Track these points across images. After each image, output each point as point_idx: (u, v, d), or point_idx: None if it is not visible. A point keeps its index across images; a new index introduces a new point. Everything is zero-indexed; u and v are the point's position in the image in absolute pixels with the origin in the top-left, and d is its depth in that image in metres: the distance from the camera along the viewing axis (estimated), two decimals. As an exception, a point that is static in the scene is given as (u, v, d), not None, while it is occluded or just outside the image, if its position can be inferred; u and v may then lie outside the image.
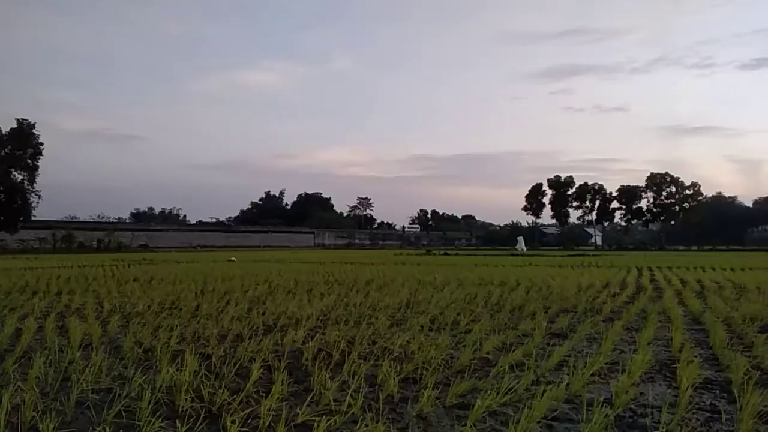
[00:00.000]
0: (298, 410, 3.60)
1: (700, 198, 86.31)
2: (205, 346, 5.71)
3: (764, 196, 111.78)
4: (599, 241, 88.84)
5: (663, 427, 3.34)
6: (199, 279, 13.87)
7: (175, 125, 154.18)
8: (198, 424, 3.39)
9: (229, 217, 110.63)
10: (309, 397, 3.87)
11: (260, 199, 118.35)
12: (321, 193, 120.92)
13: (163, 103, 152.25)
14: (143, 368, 4.76)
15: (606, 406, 3.75)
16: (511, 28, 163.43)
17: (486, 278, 14.85)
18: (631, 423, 3.58)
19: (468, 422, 3.36)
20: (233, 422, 3.19)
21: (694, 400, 4.06)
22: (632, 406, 3.90)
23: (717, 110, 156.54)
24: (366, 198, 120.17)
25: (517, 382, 4.27)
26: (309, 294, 10.75)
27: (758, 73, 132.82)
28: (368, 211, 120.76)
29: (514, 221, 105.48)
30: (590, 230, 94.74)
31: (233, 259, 28.59)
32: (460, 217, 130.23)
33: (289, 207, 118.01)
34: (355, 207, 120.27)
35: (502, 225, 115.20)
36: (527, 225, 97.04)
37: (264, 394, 3.91)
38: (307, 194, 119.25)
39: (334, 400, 3.80)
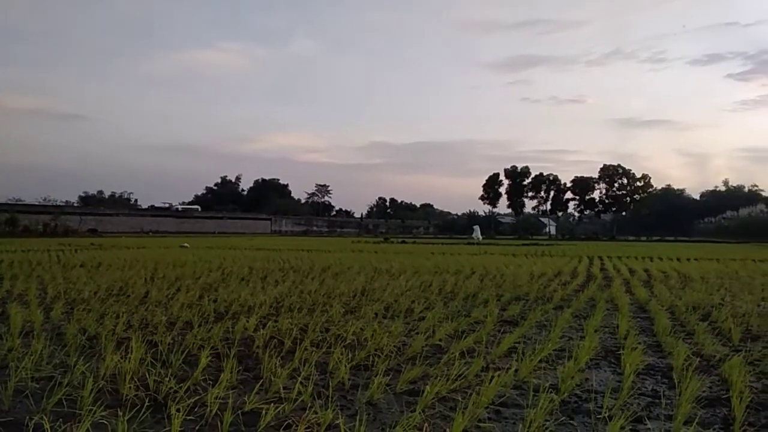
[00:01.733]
0: (246, 398, 3.55)
1: (650, 190, 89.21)
2: (152, 334, 5.57)
3: (711, 189, 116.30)
4: (553, 231, 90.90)
5: (605, 412, 3.43)
6: (150, 265, 13.54)
7: (127, 106, 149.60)
8: (142, 412, 3.30)
9: (183, 203, 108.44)
10: (258, 385, 3.82)
11: (216, 184, 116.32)
12: (278, 179, 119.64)
13: (115, 83, 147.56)
14: (86, 356, 4.61)
15: (552, 392, 3.84)
16: (470, 17, 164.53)
17: (442, 266, 14.99)
18: (576, 408, 3.67)
19: (417, 408, 3.38)
20: (178, 410, 3.12)
21: (637, 385, 4.19)
22: (577, 392, 4.00)
23: (668, 104, 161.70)
24: (324, 185, 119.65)
25: (468, 369, 4.32)
26: (263, 281, 10.63)
27: (708, 68, 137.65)
28: (326, 198, 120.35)
29: (472, 210, 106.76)
30: (545, 220, 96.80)
31: (186, 245, 28.04)
32: (418, 206, 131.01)
33: (245, 193, 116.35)
34: (313, 194, 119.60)
35: (459, 214, 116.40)
36: (484, 214, 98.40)
37: (212, 382, 3.85)
38: (264, 180, 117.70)
39: (284, 388, 3.76)
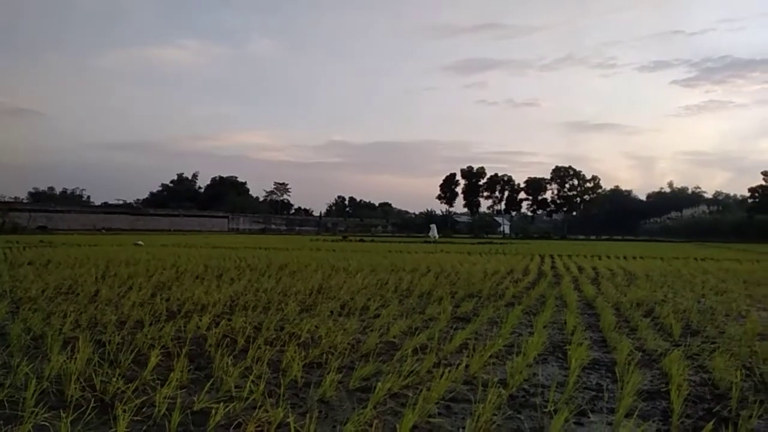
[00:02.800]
0: (196, 397, 3.52)
1: (600, 191, 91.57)
2: (101, 333, 5.45)
3: (656, 190, 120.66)
4: (507, 230, 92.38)
5: (551, 406, 3.55)
6: (101, 263, 13.17)
7: (81, 101, 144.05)
8: (87, 413, 3.24)
9: (137, 200, 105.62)
10: (209, 384, 3.79)
11: (171, 182, 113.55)
12: (236, 177, 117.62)
13: (68, 77, 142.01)
14: (31, 356, 4.48)
15: (501, 387, 3.94)
16: (428, 20, 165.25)
17: (399, 264, 15.08)
18: (523, 402, 3.77)
19: (369, 405, 3.42)
20: (125, 411, 3.08)
21: (582, 379, 4.34)
22: (525, 386, 4.11)
23: (617, 109, 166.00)
24: (283, 183, 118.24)
25: (420, 365, 4.39)
26: (218, 279, 10.49)
27: (655, 75, 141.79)
28: (285, 196, 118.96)
29: (429, 209, 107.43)
30: (499, 219, 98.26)
31: (140, 243, 27.36)
32: (377, 205, 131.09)
33: (202, 190, 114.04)
34: (271, 192, 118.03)
35: (417, 213, 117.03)
36: (441, 213, 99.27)
37: (162, 382, 3.79)
38: (221, 177, 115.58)
39: (236, 387, 3.74)
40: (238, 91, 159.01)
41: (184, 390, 3.74)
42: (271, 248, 23.66)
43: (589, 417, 3.47)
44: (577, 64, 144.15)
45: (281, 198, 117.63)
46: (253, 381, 3.77)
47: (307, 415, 3.29)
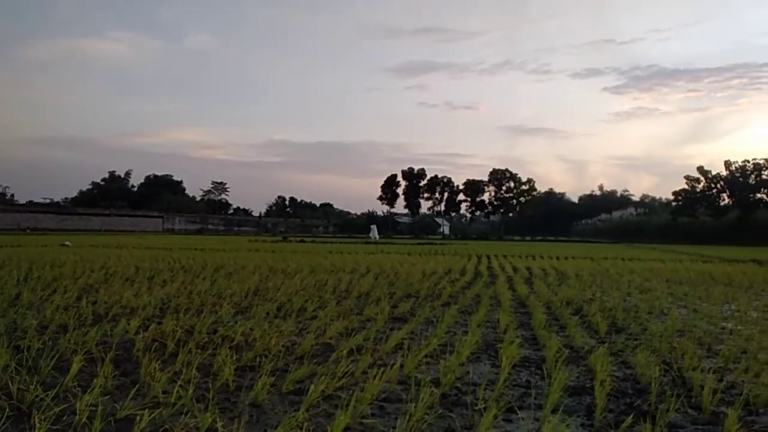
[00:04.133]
0: (120, 404, 3.39)
1: (535, 193, 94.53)
2: (21, 339, 5.16)
3: (588, 193, 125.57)
4: (447, 231, 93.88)
5: (482, 403, 3.62)
6: (24, 264, 12.50)
7: (5, 95, 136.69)
8: (2, 423, 3.06)
9: (66, 198, 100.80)
10: (135, 390, 3.65)
11: (103, 180, 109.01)
12: (172, 176, 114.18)
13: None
14: (-61, 365, 4.19)
15: (434, 386, 3.99)
16: (371, 21, 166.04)
17: (338, 265, 15.04)
18: (456, 400, 3.83)
19: (301, 407, 3.39)
20: (43, 420, 2.93)
21: (512, 376, 4.45)
22: (458, 385, 4.18)
23: (552, 114, 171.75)
24: (221, 182, 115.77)
25: (355, 366, 4.38)
26: (150, 281, 10.15)
27: (587, 82, 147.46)
28: (223, 196, 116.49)
29: (371, 210, 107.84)
30: (439, 220, 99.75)
31: (67, 243, 26.14)
32: (318, 205, 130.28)
33: (135, 189, 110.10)
34: (209, 191, 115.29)
35: (359, 213, 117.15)
36: (382, 214, 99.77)
37: (84, 389, 3.63)
38: (156, 176, 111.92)
39: (163, 392, 3.62)
40: (174, 87, 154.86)
41: (108, 397, 3.60)
42: (208, 249, 23.12)
43: (517, 414, 3.56)
44: (514, 70, 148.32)
45: (219, 197, 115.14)
46: (181, 386, 3.66)
47: (237, 420, 3.23)
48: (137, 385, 3.81)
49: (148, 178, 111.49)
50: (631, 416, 3.38)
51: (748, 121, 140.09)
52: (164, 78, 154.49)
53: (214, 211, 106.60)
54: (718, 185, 66.36)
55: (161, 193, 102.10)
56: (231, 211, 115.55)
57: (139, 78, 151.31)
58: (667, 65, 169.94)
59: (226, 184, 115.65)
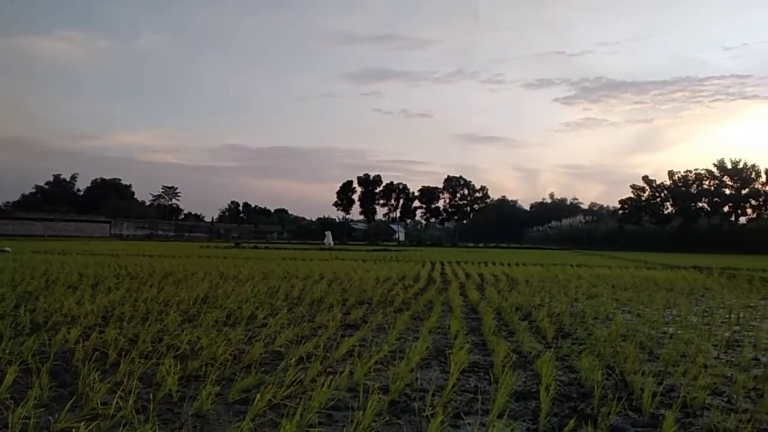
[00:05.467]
0: (56, 416, 3.25)
1: (488, 200, 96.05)
2: (-51, 350, 4.89)
3: (539, 201, 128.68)
4: (402, 237, 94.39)
5: (429, 410, 3.63)
6: (-44, 272, 11.89)
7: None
8: (-77, 441, 2.89)
9: (7, 202, 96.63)
10: (72, 402, 3.51)
11: (47, 183, 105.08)
12: (120, 180, 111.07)
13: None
14: None
15: (383, 393, 3.98)
16: (327, 27, 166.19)
17: (291, 272, 14.89)
18: (404, 407, 3.83)
19: (247, 417, 3.32)
20: (-31, 436, 2.78)
21: (461, 382, 4.48)
22: (407, 391, 4.18)
23: (504, 123, 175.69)
24: (172, 187, 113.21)
25: (304, 374, 4.33)
26: (93, 289, 9.81)
27: (538, 92, 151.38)
28: (174, 201, 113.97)
29: (326, 216, 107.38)
30: (395, 227, 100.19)
31: (7, 249, 25.03)
32: (272, 211, 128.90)
33: (81, 193, 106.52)
34: (159, 196, 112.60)
35: (314, 219, 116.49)
36: (338, 220, 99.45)
37: (17, 401, 3.47)
38: (103, 180, 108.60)
39: (102, 404, 3.49)
40: (124, 89, 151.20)
41: (44, 409, 3.45)
42: (156, 255, 22.53)
43: (464, 419, 3.59)
44: (468, 79, 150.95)
45: (170, 203, 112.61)
46: (122, 397, 3.54)
47: (179, 431, 3.14)
48: (75, 397, 3.66)
49: (95, 182, 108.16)
50: (574, 419, 3.45)
51: (690, 133, 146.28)
52: (114, 79, 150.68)
53: (165, 217, 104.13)
54: (662, 194, 69.00)
55: (109, 198, 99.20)
56: (182, 216, 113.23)
57: (88, 78, 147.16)
58: (615, 77, 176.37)
59: (177, 188, 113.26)
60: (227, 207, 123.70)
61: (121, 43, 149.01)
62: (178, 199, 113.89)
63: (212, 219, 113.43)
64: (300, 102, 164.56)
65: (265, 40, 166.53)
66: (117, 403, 3.45)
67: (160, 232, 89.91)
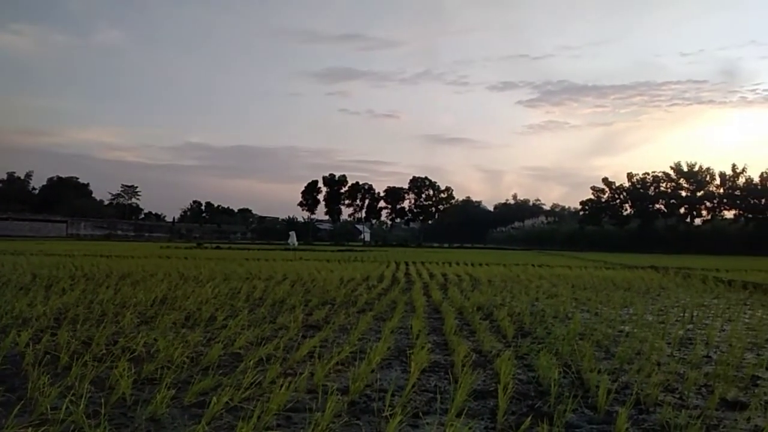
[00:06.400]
0: (3, 422, 3.13)
1: (453, 201, 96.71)
2: None
3: (503, 202, 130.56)
4: (368, 238, 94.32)
5: (388, 410, 3.62)
6: None
7: None
8: None
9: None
10: (20, 407, 3.39)
11: (0, 181, 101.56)
12: (77, 178, 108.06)
13: None
14: None
15: (343, 394, 3.96)
16: (293, 25, 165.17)
17: (254, 272, 14.72)
18: (364, 408, 3.82)
19: (203, 420, 3.26)
20: None
21: (422, 382, 4.50)
22: (368, 392, 4.17)
23: (470, 124, 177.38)
24: (132, 186, 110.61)
25: (264, 376, 4.28)
26: (47, 290, 9.50)
27: (503, 94, 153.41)
28: (134, 200, 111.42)
29: (291, 216, 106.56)
30: (360, 227, 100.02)
31: (-45, 249, 24.08)
32: (236, 211, 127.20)
33: (37, 191, 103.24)
34: (118, 195, 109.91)
35: (279, 219, 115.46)
36: (303, 220, 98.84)
37: (-40, 408, 3.33)
38: (60, 178, 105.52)
39: (52, 408, 3.38)
40: (81, 84, 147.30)
41: (-11, 416, 3.32)
42: (114, 256, 21.97)
43: (423, 419, 3.60)
44: (433, 80, 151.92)
45: (129, 202, 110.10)
46: (73, 401, 3.44)
47: (133, 436, 3.06)
48: (24, 402, 3.54)
49: (51, 180, 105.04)
50: (531, 417, 3.50)
51: (648, 137, 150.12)
52: (70, 74, 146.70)
53: (124, 216, 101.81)
54: (621, 196, 70.62)
55: (66, 197, 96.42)
56: (142, 216, 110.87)
57: (43, 73, 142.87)
58: (577, 81, 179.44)
59: (137, 187, 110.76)
60: (189, 206, 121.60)
61: (77, 38, 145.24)
62: (138, 199, 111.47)
63: (173, 219, 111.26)
64: (265, 101, 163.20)
65: (230, 37, 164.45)
66: (67, 407, 3.35)
67: (119, 232, 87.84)
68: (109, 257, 20.83)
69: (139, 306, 7.94)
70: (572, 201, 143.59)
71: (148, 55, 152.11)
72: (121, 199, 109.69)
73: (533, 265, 21.32)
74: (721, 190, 65.60)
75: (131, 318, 6.77)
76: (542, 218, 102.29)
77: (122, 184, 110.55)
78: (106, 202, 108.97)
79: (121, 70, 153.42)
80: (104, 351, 5.06)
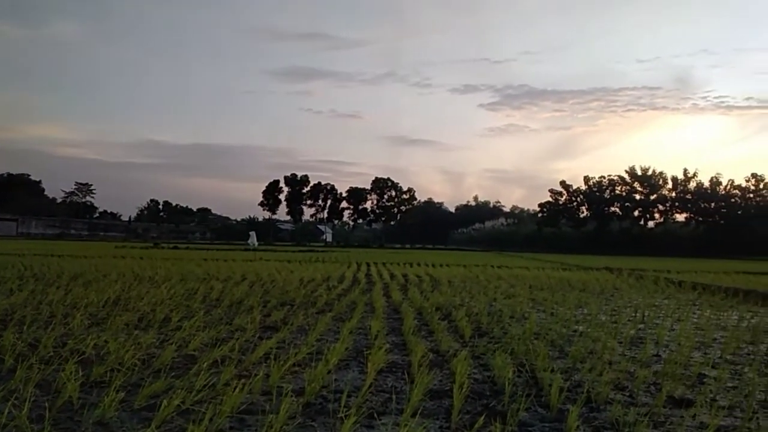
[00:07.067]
0: (-63, 430, 3.00)
1: (415, 202, 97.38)
2: None
3: (464, 203, 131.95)
4: (330, 238, 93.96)
5: (343, 411, 3.61)
6: None
7: None
8: None
9: None
10: (-43, 413, 3.24)
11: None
12: (28, 175, 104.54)
13: None
14: None
15: (298, 395, 3.92)
16: (255, 23, 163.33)
17: (212, 273, 14.48)
18: (319, 409, 3.80)
19: (153, 423, 3.19)
20: None
21: (378, 382, 4.49)
22: (324, 393, 4.14)
23: (432, 126, 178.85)
24: (86, 183, 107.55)
25: (218, 378, 4.21)
26: (-7, 291, 9.15)
27: (465, 97, 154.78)
28: (88, 198, 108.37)
29: (251, 216, 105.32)
30: (322, 227, 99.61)
31: None
32: (195, 210, 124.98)
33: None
34: (72, 193, 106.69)
35: (238, 219, 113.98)
36: (264, 220, 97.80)
37: None
38: (10, 175, 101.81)
39: (-7, 414, 3.25)
40: (33, 78, 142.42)
41: (-77, 422, 3.17)
42: (67, 255, 21.31)
43: (378, 419, 3.60)
44: (396, 81, 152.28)
45: (83, 200, 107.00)
46: (16, 405, 3.31)
47: (79, 441, 2.97)
48: (-39, 408, 3.39)
49: (0, 176, 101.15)
50: (485, 416, 3.54)
51: (604, 141, 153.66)
52: (21, 67, 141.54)
53: (78, 215, 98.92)
54: (578, 198, 72.23)
55: (16, 194, 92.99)
56: (97, 215, 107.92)
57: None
58: (537, 85, 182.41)
59: (91, 185, 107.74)
60: (146, 205, 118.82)
61: (27, 29, 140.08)
62: (92, 197, 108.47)
63: (129, 218, 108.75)
64: (226, 98, 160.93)
65: (191, 33, 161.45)
66: (10, 411, 3.23)
67: (72, 232, 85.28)
68: (61, 257, 20.19)
69: (91, 307, 7.71)
70: (531, 203, 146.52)
71: (105, 50, 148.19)
72: (75, 198, 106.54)
73: (492, 266, 21.60)
74: (673, 194, 67.79)
75: (81, 319, 6.57)
76: (502, 220, 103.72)
77: (76, 182, 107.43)
78: (59, 200, 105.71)
79: (76, 65, 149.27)
80: (51, 353, 4.90)
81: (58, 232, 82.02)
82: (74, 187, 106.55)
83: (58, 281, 10.98)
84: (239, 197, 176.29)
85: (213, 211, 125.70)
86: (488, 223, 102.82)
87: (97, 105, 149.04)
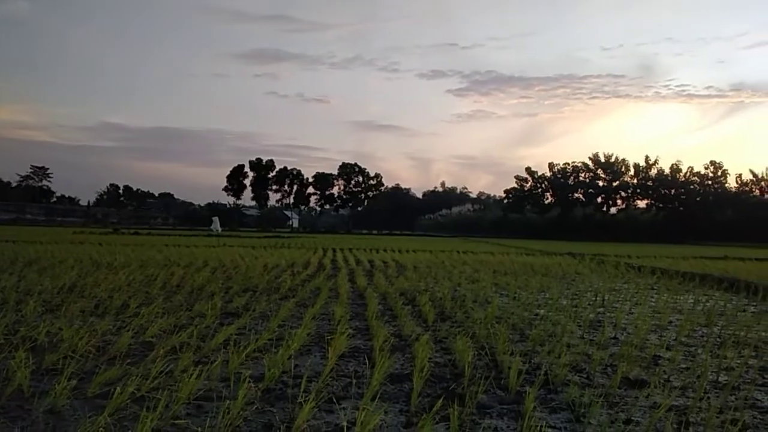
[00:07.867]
0: None
1: (382, 188, 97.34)
2: None
3: (431, 189, 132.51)
4: (296, 224, 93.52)
5: (303, 396, 3.58)
6: None
7: None
8: None
9: None
10: None
11: None
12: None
13: None
14: None
15: (257, 381, 3.88)
16: (218, 4, 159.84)
17: (173, 259, 14.22)
18: (279, 395, 3.76)
19: (105, 411, 3.11)
20: None
21: (340, 367, 4.48)
22: (284, 378, 4.11)
23: (400, 111, 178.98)
24: (42, 167, 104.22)
25: (175, 365, 4.14)
26: (-59, 277, 8.80)
27: (432, 83, 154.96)
28: (45, 182, 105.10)
29: (215, 201, 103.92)
30: (288, 213, 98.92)
31: None
32: (157, 195, 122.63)
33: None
34: (27, 177, 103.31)
35: (202, 204, 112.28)
36: (228, 206, 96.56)
37: None
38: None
39: (-65, 404, 3.12)
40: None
41: None
42: (21, 241, 20.66)
43: (338, 404, 3.58)
44: (364, 66, 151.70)
45: (39, 184, 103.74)
46: (-40, 396, 3.19)
47: (29, 429, 2.87)
48: None
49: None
50: (444, 399, 3.56)
51: (569, 128, 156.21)
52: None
53: (34, 199, 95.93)
54: (543, 185, 73.34)
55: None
56: (54, 199, 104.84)
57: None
58: (504, 72, 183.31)
59: (48, 169, 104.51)
60: (106, 190, 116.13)
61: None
62: (49, 181, 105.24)
63: (89, 202, 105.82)
64: (188, 81, 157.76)
65: (152, 14, 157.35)
66: (-47, 403, 3.10)
67: (28, 216, 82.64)
68: (15, 242, 19.57)
69: (45, 294, 7.49)
70: (498, 189, 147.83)
71: (60, 30, 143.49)
72: (31, 181, 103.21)
73: (458, 252, 21.78)
74: (635, 181, 69.38)
75: (35, 306, 6.37)
76: (469, 206, 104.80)
77: (32, 165, 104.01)
78: (14, 184, 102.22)
79: (31, 45, 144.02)
80: (2, 341, 4.74)
81: (13, 216, 79.38)
82: (30, 170, 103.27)
83: (11, 267, 10.63)
84: (203, 182, 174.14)
85: (176, 196, 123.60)
86: (455, 209, 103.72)
87: (54, 87, 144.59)
